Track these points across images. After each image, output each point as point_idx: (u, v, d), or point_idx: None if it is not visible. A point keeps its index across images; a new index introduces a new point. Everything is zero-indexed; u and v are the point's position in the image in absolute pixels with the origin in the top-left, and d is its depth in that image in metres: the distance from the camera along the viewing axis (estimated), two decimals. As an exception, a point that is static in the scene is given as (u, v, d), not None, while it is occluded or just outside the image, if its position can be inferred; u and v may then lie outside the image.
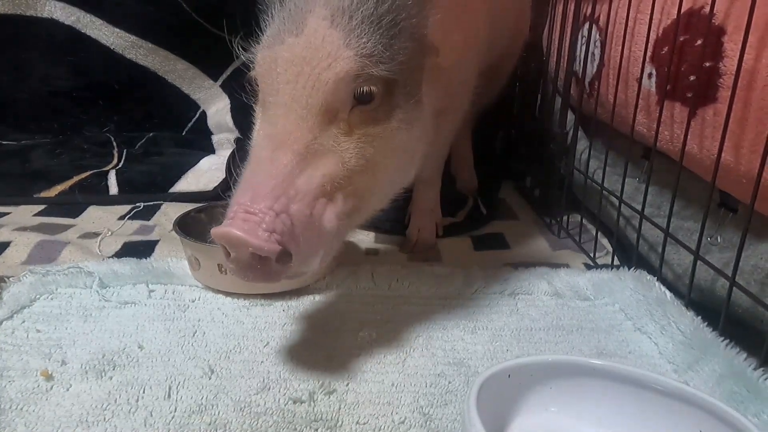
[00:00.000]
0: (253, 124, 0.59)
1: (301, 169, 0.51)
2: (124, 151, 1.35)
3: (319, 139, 0.53)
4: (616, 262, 0.83)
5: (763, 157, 0.51)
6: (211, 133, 1.50)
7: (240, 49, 0.57)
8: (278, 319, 0.67)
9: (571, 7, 0.93)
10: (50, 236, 0.91)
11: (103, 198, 1.13)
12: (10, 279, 0.72)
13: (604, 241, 0.91)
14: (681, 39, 0.64)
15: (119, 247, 0.90)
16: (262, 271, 0.50)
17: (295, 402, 0.53)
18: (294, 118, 0.52)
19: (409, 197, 0.97)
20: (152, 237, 0.95)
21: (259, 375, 0.57)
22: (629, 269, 0.74)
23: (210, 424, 0.50)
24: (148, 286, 0.73)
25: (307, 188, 0.51)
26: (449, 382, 0.56)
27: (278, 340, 0.63)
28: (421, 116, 0.60)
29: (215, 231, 0.49)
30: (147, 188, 1.17)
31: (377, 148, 0.55)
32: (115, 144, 1.39)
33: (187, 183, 1.19)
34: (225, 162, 1.25)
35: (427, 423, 0.51)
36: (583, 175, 0.91)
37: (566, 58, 0.96)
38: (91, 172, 1.21)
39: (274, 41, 0.55)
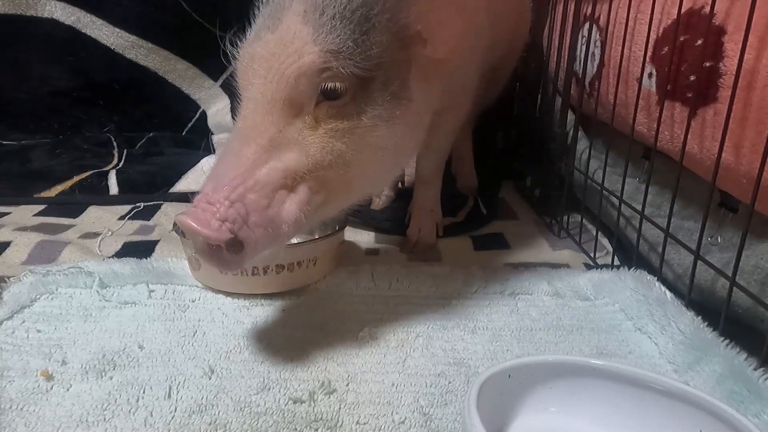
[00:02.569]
0: None
1: (263, 161, 0.53)
2: (124, 151, 1.35)
3: (284, 132, 0.54)
4: (617, 262, 0.83)
5: (764, 157, 0.51)
6: (212, 133, 1.50)
7: (229, 45, 0.58)
8: (278, 319, 0.67)
9: (571, 7, 0.93)
10: (50, 236, 0.91)
11: (103, 198, 1.13)
12: (11, 279, 0.72)
13: (605, 241, 0.91)
14: (681, 39, 0.64)
15: (119, 247, 0.90)
16: (219, 258, 0.52)
17: (295, 402, 0.53)
18: (261, 113, 0.54)
19: (409, 197, 0.97)
20: (152, 237, 0.94)
21: (259, 375, 0.57)
22: (629, 269, 0.74)
23: (210, 424, 0.50)
24: (148, 286, 0.73)
25: (267, 179, 0.53)
26: (449, 382, 0.56)
27: (278, 340, 0.63)
28: (406, 113, 0.59)
29: (177, 219, 0.52)
30: (147, 188, 1.17)
31: (347, 144, 0.56)
32: (115, 144, 1.39)
33: (187, 183, 1.19)
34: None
35: (428, 423, 0.51)
36: (584, 175, 0.91)
37: (566, 58, 0.96)
38: (91, 172, 1.21)
39: (254, 38, 0.57)
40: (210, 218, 0.49)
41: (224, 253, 0.51)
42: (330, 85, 0.53)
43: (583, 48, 0.90)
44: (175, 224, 0.77)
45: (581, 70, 0.90)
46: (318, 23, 0.53)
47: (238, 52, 0.57)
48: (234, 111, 1.53)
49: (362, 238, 0.96)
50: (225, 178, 0.52)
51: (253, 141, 0.54)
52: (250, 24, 0.58)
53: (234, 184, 0.51)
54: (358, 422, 0.51)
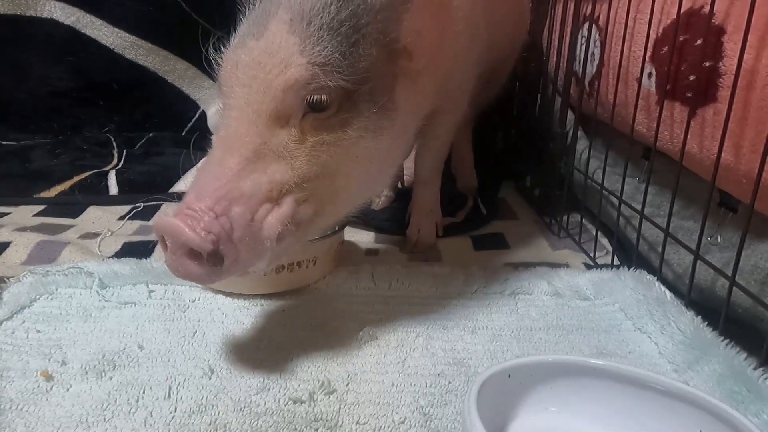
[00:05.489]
0: None
1: (247, 173, 0.51)
2: (124, 151, 1.35)
3: (269, 144, 0.53)
4: (616, 261, 0.83)
5: (763, 156, 0.51)
6: (211, 134, 1.50)
7: (213, 50, 0.57)
8: (278, 319, 0.67)
9: (571, 6, 0.93)
10: (50, 236, 0.91)
11: (103, 198, 1.13)
12: (10, 279, 0.72)
13: (604, 240, 0.91)
14: (681, 39, 0.64)
15: (119, 247, 0.90)
16: (194, 267, 0.50)
17: (295, 402, 0.53)
18: (246, 122, 0.53)
19: (409, 197, 0.97)
20: (152, 237, 0.94)
21: (259, 375, 0.57)
22: (629, 269, 0.74)
23: (210, 425, 0.50)
24: (148, 287, 0.73)
25: (251, 192, 0.51)
26: (449, 382, 0.56)
27: (278, 340, 0.63)
28: (393, 123, 0.58)
29: (155, 221, 0.50)
30: (147, 188, 1.17)
31: (333, 156, 0.55)
32: (115, 144, 1.39)
33: (187, 183, 1.19)
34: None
35: (428, 423, 0.51)
36: (583, 174, 0.91)
37: (566, 57, 0.96)
38: (91, 172, 1.22)
39: (238, 44, 0.55)
40: (195, 225, 0.48)
41: (202, 263, 0.49)
42: (316, 97, 0.52)
43: (583, 48, 0.90)
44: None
45: (581, 69, 0.90)
46: (305, 33, 0.52)
47: (221, 58, 0.56)
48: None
49: (362, 238, 0.96)
50: (207, 188, 0.51)
51: (236, 151, 0.52)
52: (234, 29, 0.57)
53: (218, 195, 0.50)
54: (358, 422, 0.51)
